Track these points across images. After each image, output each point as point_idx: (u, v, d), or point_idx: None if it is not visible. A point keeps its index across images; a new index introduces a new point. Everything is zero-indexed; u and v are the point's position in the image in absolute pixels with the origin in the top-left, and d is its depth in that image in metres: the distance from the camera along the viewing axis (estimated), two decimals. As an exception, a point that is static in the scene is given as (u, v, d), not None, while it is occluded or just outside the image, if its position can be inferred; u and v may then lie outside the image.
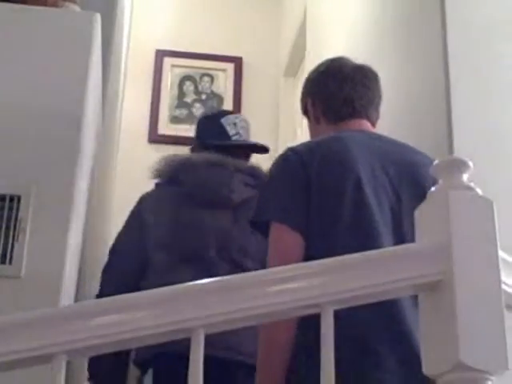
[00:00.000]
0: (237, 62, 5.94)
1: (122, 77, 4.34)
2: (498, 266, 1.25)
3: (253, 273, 1.20)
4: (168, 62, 5.87)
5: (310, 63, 5.09)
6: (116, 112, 4.09)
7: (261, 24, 6.16)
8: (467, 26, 2.44)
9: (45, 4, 2.38)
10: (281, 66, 5.99)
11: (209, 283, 1.16)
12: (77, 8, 2.55)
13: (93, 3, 2.66)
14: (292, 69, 5.86)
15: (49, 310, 1.29)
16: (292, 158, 1.95)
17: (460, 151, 2.09)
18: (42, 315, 1.14)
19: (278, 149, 5.74)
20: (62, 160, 2.11)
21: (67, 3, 2.53)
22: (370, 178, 1.91)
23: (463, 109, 2.27)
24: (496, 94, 2.36)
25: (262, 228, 1.92)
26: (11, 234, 1.99)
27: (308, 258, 1.78)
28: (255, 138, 3.12)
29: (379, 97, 2.23)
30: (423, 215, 1.31)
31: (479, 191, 1.29)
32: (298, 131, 5.64)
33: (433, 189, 1.30)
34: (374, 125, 2.19)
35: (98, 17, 2.35)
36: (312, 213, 1.86)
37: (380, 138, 2.12)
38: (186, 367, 1.12)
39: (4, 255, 1.97)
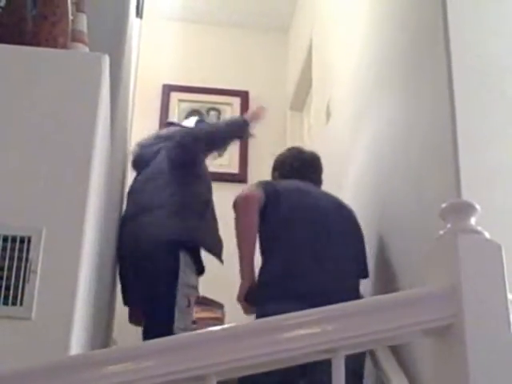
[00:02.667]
0: (243, 96, 5.98)
1: (129, 113, 4.37)
2: (507, 309, 1.25)
3: (266, 320, 1.20)
4: (175, 96, 5.92)
5: (316, 97, 5.13)
6: (125, 147, 4.11)
7: (267, 58, 6.20)
8: (474, 64, 2.46)
9: (55, 46, 2.40)
10: (287, 99, 6.03)
11: (220, 330, 1.16)
12: (86, 49, 2.58)
13: (101, 43, 2.69)
14: (298, 103, 5.90)
15: (59, 359, 1.30)
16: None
17: (467, 193, 2.10)
18: (52, 364, 1.14)
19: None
20: (72, 201, 2.12)
21: (76, 44, 2.56)
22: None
23: (470, 150, 2.28)
24: (503, 136, 2.36)
25: None
26: (22, 275, 1.99)
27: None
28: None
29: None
30: (432, 258, 1.32)
31: (487, 235, 1.30)
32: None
33: (441, 232, 1.31)
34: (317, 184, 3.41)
35: (106, 58, 2.37)
36: None
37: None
38: None
39: (15, 297, 1.97)
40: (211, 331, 1.17)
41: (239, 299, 3.09)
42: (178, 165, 3.72)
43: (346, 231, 3.08)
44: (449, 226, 1.30)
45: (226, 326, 1.18)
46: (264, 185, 3.15)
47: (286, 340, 1.16)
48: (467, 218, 1.29)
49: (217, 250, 3.61)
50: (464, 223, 1.29)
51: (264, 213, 3.05)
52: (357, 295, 2.90)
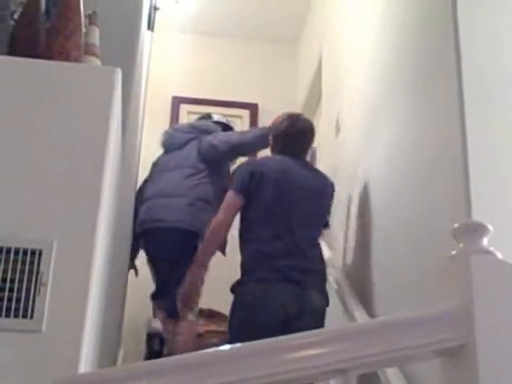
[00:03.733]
0: (252, 108, 5.99)
1: (140, 125, 4.38)
2: (519, 330, 1.25)
3: (277, 339, 1.20)
4: (184, 108, 5.94)
5: (326, 110, 5.14)
6: (134, 159, 4.13)
7: (277, 71, 6.22)
8: (484, 78, 2.46)
9: (68, 59, 2.42)
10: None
11: (231, 349, 1.17)
12: (98, 62, 2.59)
13: (113, 56, 2.70)
14: (308, 115, 5.89)
15: (70, 376, 1.30)
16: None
17: (478, 212, 2.09)
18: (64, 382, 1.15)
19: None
20: (83, 214, 2.13)
21: (89, 57, 2.57)
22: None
23: (481, 165, 2.28)
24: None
25: None
26: (32, 288, 2.00)
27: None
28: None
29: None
30: (444, 278, 1.32)
31: (499, 255, 1.30)
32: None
33: (453, 252, 1.31)
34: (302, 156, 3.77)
35: (118, 72, 2.39)
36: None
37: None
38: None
39: (25, 309, 1.98)
40: (222, 350, 1.18)
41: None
42: (206, 161, 4.28)
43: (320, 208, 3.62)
44: (461, 245, 1.30)
45: (237, 344, 1.18)
46: (244, 184, 3.54)
47: (296, 359, 1.16)
48: (480, 238, 1.29)
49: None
50: (476, 244, 1.29)
51: (248, 201, 3.51)
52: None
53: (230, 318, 3.40)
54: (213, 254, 3.69)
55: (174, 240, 4.01)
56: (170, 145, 4.46)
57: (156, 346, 4.16)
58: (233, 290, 3.40)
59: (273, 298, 3.23)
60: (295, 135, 3.73)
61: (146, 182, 4.45)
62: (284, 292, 3.25)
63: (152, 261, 4.18)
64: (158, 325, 4.11)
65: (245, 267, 3.41)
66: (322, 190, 3.64)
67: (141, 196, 4.32)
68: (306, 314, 3.24)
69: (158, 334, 4.13)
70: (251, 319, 3.22)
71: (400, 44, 3.34)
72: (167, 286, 4.02)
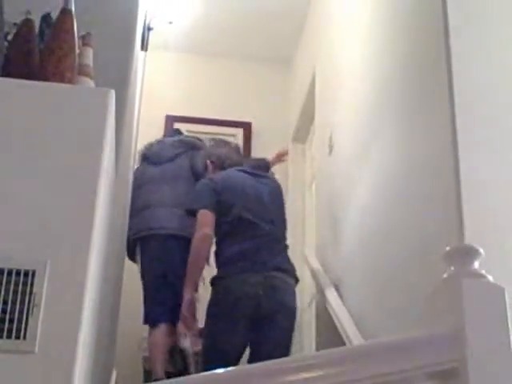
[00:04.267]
0: (246, 127, 6.01)
1: (133, 144, 4.39)
2: (511, 353, 1.26)
3: (269, 362, 1.21)
4: (178, 127, 5.93)
5: (319, 129, 5.15)
6: (128, 179, 4.13)
7: (270, 90, 6.24)
8: (476, 99, 2.47)
9: (62, 80, 2.43)
10: (289, 131, 6.05)
11: (226, 372, 1.17)
12: (92, 83, 2.60)
13: (107, 77, 2.71)
14: (301, 135, 5.92)
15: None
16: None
17: (471, 235, 2.09)
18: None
19: (287, 212, 5.78)
20: (76, 235, 2.13)
21: (82, 78, 2.58)
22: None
23: (473, 188, 2.28)
24: (507, 173, 2.37)
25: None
26: (26, 309, 2.00)
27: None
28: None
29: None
30: (435, 301, 1.33)
31: (491, 278, 1.31)
32: (306, 195, 5.68)
33: (445, 275, 1.32)
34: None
35: (112, 93, 2.39)
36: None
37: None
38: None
39: (18, 330, 1.97)
40: (218, 373, 1.18)
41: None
42: (201, 175, 4.41)
43: (277, 207, 4.05)
44: (453, 269, 1.31)
45: (231, 368, 1.18)
46: (210, 203, 3.90)
47: (291, 382, 1.16)
48: (471, 261, 1.30)
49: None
50: (468, 267, 1.30)
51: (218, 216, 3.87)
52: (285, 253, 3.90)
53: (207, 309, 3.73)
54: (202, 267, 3.90)
55: (169, 247, 4.13)
56: (161, 157, 4.58)
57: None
58: (211, 283, 3.77)
59: (237, 287, 3.60)
60: (232, 154, 4.26)
61: (134, 193, 4.47)
62: (249, 281, 3.60)
63: (146, 270, 4.22)
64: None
65: (219, 267, 3.79)
66: (276, 193, 4.09)
67: (133, 207, 4.36)
68: (279, 312, 3.63)
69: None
70: (222, 307, 3.63)
71: (392, 63, 3.37)
72: (166, 298, 4.08)
